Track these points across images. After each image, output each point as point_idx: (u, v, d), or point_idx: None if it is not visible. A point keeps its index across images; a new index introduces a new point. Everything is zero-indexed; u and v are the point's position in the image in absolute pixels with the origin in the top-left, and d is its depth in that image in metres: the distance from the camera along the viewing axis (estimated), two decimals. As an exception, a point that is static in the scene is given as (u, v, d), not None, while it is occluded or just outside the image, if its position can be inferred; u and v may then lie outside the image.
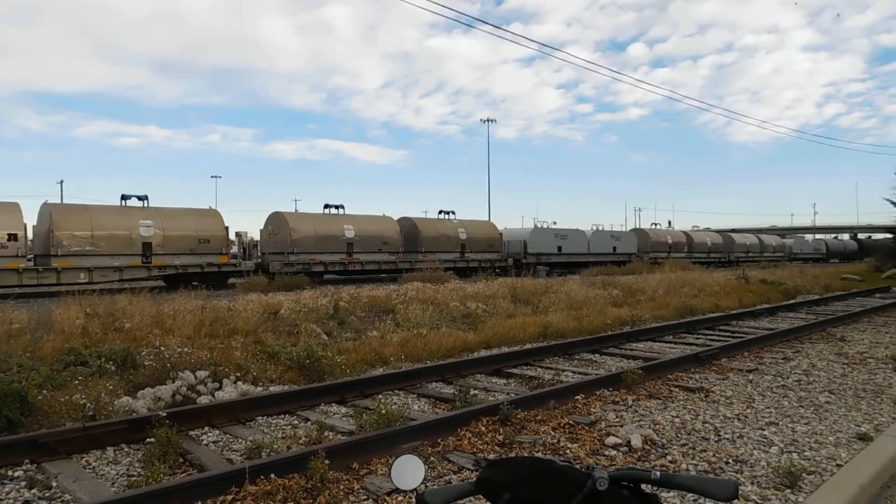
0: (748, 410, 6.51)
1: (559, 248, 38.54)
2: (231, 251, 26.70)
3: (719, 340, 11.32)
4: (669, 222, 70.19)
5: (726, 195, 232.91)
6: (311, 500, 4.06)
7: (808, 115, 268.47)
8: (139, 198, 24.12)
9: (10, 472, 4.68)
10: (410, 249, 31.58)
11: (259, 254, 28.36)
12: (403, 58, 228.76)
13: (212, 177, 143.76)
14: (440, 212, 35.11)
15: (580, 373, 8.67)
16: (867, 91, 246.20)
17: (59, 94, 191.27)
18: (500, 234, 36.69)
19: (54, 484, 4.47)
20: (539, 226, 40.36)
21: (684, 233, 51.73)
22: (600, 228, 44.26)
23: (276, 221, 28.55)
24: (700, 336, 12.29)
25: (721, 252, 53.05)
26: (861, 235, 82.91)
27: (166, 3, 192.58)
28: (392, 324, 11.96)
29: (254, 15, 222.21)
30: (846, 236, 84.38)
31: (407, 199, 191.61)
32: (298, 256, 26.89)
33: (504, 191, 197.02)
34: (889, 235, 48.92)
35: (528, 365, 9.26)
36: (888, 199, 42.59)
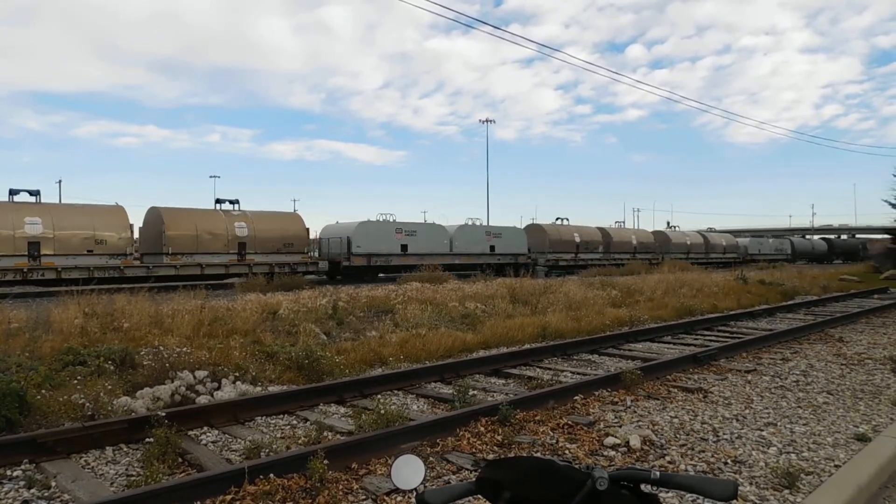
0: (746, 411, 6.52)
1: (403, 248, 31.06)
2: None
3: (718, 341, 11.33)
4: (668, 223, 68.08)
5: (726, 196, 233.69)
6: (310, 500, 4.06)
7: (806, 116, 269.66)
8: None
9: (8, 472, 4.67)
10: (154, 251, 24.66)
11: None
12: (402, 58, 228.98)
13: (210, 177, 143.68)
14: (217, 201, 27.35)
15: (579, 373, 8.67)
16: (865, 93, 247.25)
17: (58, 94, 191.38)
18: (307, 229, 29.24)
19: (53, 483, 4.47)
20: (375, 219, 31.86)
21: (600, 230, 43.77)
22: (474, 222, 35.79)
23: None
24: (698, 337, 12.30)
25: (652, 252, 45.17)
26: (859, 236, 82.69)
27: (165, 3, 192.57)
28: (391, 324, 11.96)
29: (252, 15, 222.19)
30: (815, 237, 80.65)
31: (407, 199, 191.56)
32: None
33: (503, 191, 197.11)
34: (886, 236, 49.06)
35: (527, 365, 9.27)
36: (886, 201, 42.79)
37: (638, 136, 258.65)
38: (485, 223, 35.99)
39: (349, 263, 28.50)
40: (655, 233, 50.26)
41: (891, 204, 42.36)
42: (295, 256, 27.64)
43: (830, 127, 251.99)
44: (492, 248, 34.93)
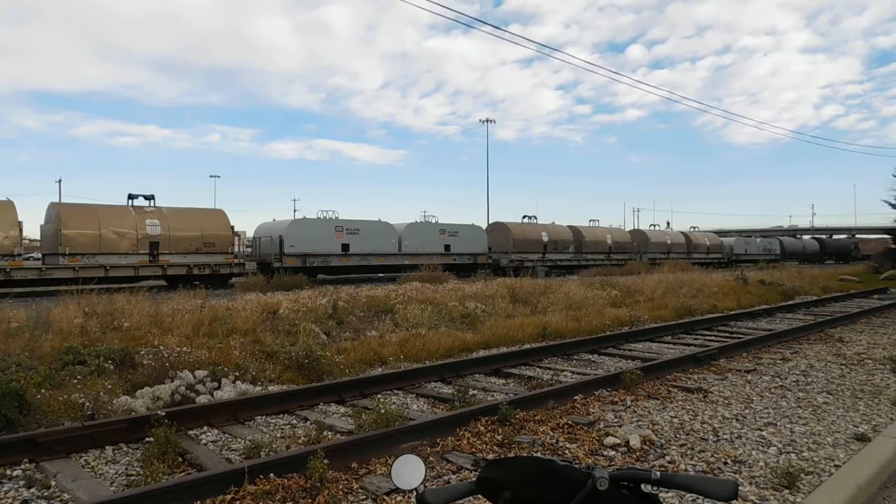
0: (746, 411, 6.52)
1: (345, 247, 28.42)
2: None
3: (717, 341, 11.33)
4: (668, 223, 66.72)
5: (725, 196, 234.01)
6: (310, 500, 4.06)
7: (805, 116, 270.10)
8: None
9: (8, 472, 4.67)
10: (53, 251, 22.49)
11: None
12: (402, 58, 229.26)
13: (210, 176, 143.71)
14: (129, 196, 24.57)
15: (579, 373, 8.67)
16: (865, 93, 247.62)
17: (57, 93, 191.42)
18: (232, 227, 26.45)
19: (53, 483, 4.47)
20: (315, 216, 28.86)
21: (571, 228, 40.91)
22: (427, 219, 32.88)
23: None
24: (698, 337, 12.30)
25: (629, 252, 43.12)
26: (859, 236, 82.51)
27: (164, 2, 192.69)
28: (391, 324, 11.95)
29: (251, 15, 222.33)
30: (806, 237, 79.07)
31: (406, 199, 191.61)
32: None
33: (503, 191, 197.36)
34: (883, 236, 49.09)
35: (527, 365, 9.27)
36: (886, 201, 42.84)
37: (638, 137, 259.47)
38: (440, 220, 33.34)
39: (281, 265, 26.18)
40: (633, 232, 48.09)
41: (890, 204, 42.48)
42: (217, 257, 25.22)
43: (830, 127, 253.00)
44: (447, 247, 32.17)
